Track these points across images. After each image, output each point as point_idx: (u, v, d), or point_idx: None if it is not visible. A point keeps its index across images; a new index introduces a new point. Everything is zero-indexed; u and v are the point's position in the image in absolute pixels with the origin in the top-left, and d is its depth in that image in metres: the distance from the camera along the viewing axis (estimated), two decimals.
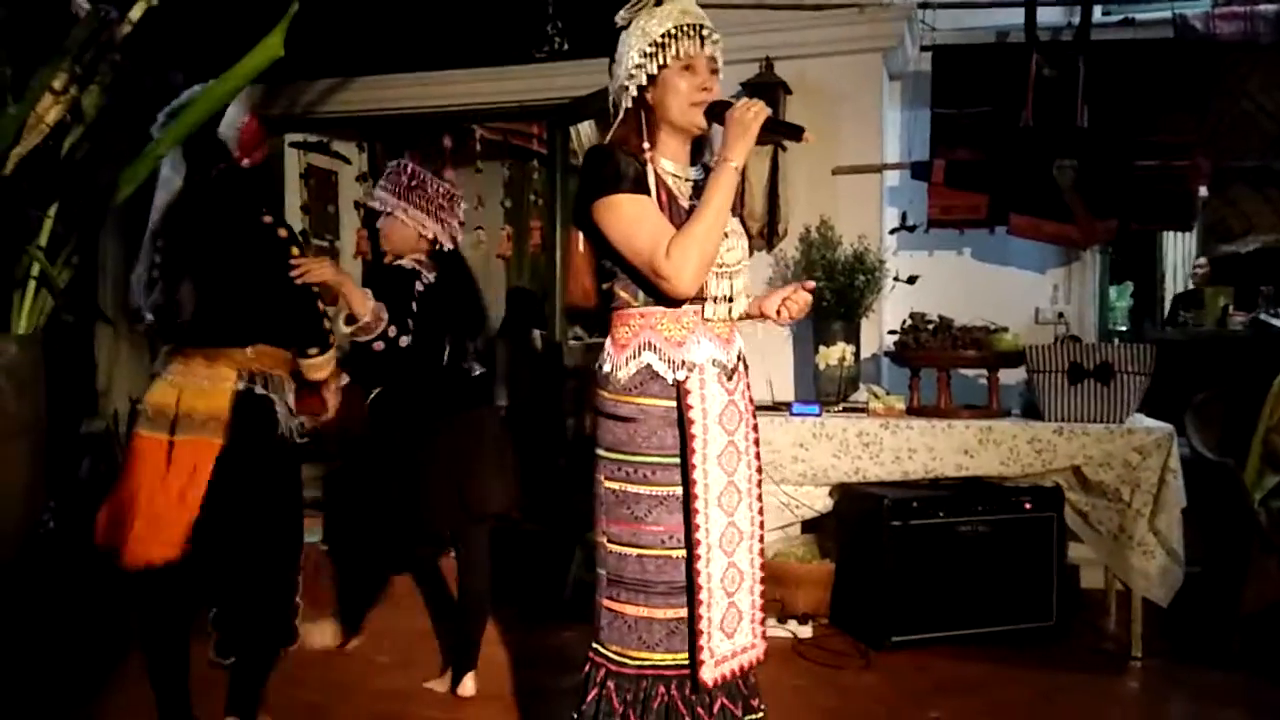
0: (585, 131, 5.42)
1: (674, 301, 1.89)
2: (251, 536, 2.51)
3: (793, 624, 3.73)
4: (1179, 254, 6.16)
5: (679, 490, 1.89)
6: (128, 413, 4.46)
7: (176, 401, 2.41)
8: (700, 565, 1.86)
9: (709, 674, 1.88)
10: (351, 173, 7.90)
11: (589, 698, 1.94)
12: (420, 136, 7.37)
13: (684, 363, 1.89)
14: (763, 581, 2.02)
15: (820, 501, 3.86)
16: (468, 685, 3.09)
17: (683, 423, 1.88)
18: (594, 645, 1.97)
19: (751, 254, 4.33)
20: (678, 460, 1.89)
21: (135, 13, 1.60)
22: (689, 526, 1.87)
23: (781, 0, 4.32)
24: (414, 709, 3.03)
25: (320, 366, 2.62)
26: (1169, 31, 4.16)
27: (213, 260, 2.42)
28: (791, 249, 4.34)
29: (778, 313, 2.05)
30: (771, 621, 3.71)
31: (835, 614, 3.82)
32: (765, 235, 4.31)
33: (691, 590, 1.87)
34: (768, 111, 1.84)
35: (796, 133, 1.89)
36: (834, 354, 4.03)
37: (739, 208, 2.09)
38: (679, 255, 1.81)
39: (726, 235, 1.92)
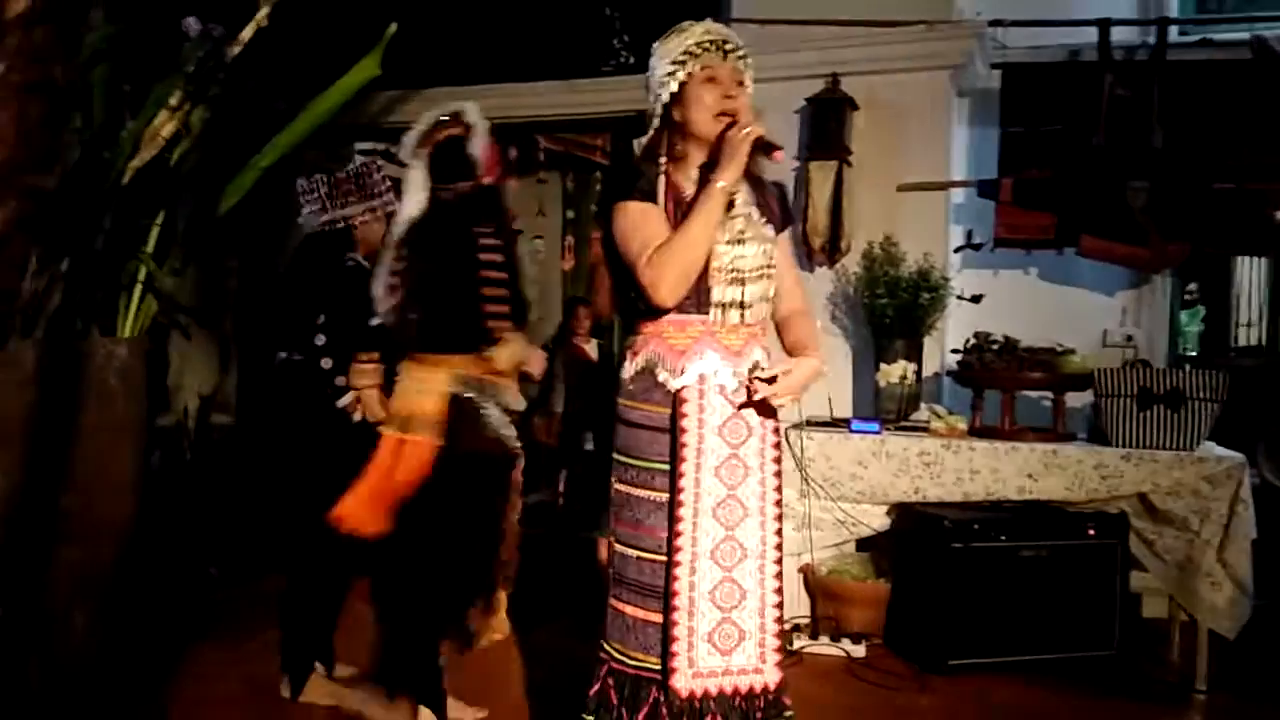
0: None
1: (680, 307, 1.94)
2: (435, 533, 2.70)
3: (846, 642, 3.70)
4: (1252, 279, 6.02)
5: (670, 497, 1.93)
6: (196, 409, 4.60)
7: (408, 403, 2.69)
8: (680, 572, 1.90)
9: (682, 683, 1.90)
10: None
11: (593, 691, 2.01)
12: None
13: (684, 371, 1.94)
14: (779, 606, 2.00)
15: (877, 520, 3.83)
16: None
17: (674, 431, 1.92)
18: (601, 641, 2.03)
19: (812, 269, 4.39)
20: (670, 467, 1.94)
21: (246, 33, 1.67)
22: (671, 533, 1.91)
23: (849, 16, 4.31)
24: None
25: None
26: (1247, 53, 4.07)
27: (448, 272, 2.64)
28: (854, 265, 4.32)
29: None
30: (824, 639, 3.70)
31: (890, 634, 3.78)
32: (828, 250, 4.30)
33: (668, 595, 1.91)
34: (759, 132, 1.91)
35: (770, 150, 1.93)
36: (895, 372, 4.00)
37: (774, 214, 2.08)
38: (657, 264, 1.88)
39: (743, 242, 1.95)
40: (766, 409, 1.98)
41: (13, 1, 1.09)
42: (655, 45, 2.02)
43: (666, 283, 1.88)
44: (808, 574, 3.90)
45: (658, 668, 1.93)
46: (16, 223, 1.08)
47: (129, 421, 1.42)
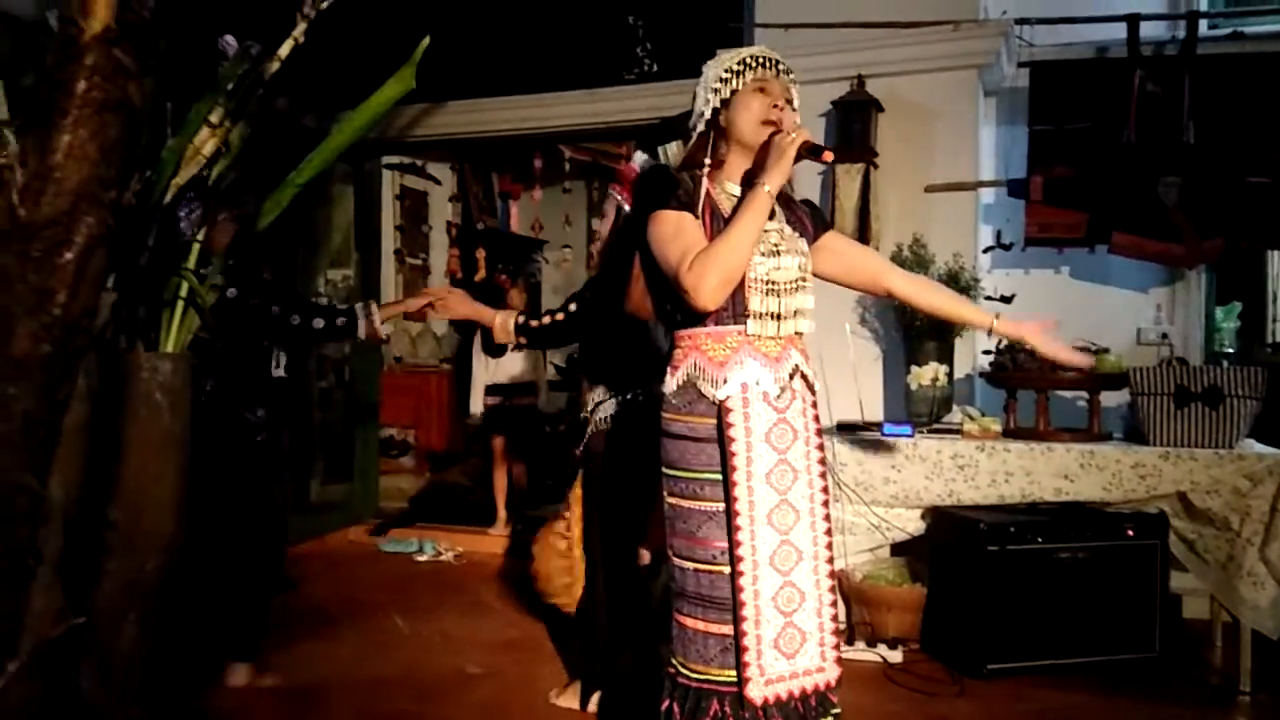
0: (673, 151, 5.45)
1: (717, 319, 1.96)
2: None
3: (882, 648, 3.67)
4: None
5: (725, 507, 1.93)
6: None
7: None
8: (744, 581, 1.90)
9: (756, 692, 1.90)
10: (444, 193, 8.11)
11: (663, 706, 2.02)
12: (510, 158, 7.53)
13: (726, 382, 1.94)
14: (834, 605, 2.03)
15: (911, 524, 3.81)
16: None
17: (723, 441, 1.92)
18: (670, 656, 2.04)
19: None
20: (722, 477, 1.94)
21: (284, 50, 1.70)
22: (731, 543, 1.91)
23: (874, 18, 4.30)
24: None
25: None
26: (1278, 46, 4.03)
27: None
28: None
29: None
30: (860, 645, 3.68)
31: (926, 639, 3.75)
32: None
33: (736, 606, 1.91)
34: (806, 135, 1.94)
35: (819, 153, 1.97)
36: (926, 374, 3.98)
37: (807, 229, 2.12)
38: (699, 268, 1.87)
39: (779, 254, 1.97)
40: None
41: (92, 20, 1.12)
42: (709, 63, 2.06)
43: (709, 285, 1.87)
44: (842, 580, 3.87)
45: (718, 679, 1.93)
46: (98, 237, 1.11)
47: (173, 435, 1.45)
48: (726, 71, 1.98)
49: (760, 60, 1.99)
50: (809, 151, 1.94)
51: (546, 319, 3.02)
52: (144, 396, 1.39)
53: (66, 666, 1.29)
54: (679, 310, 1.99)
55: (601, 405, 2.97)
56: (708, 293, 1.88)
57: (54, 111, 1.10)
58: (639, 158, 2.91)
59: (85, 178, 1.10)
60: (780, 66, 2.01)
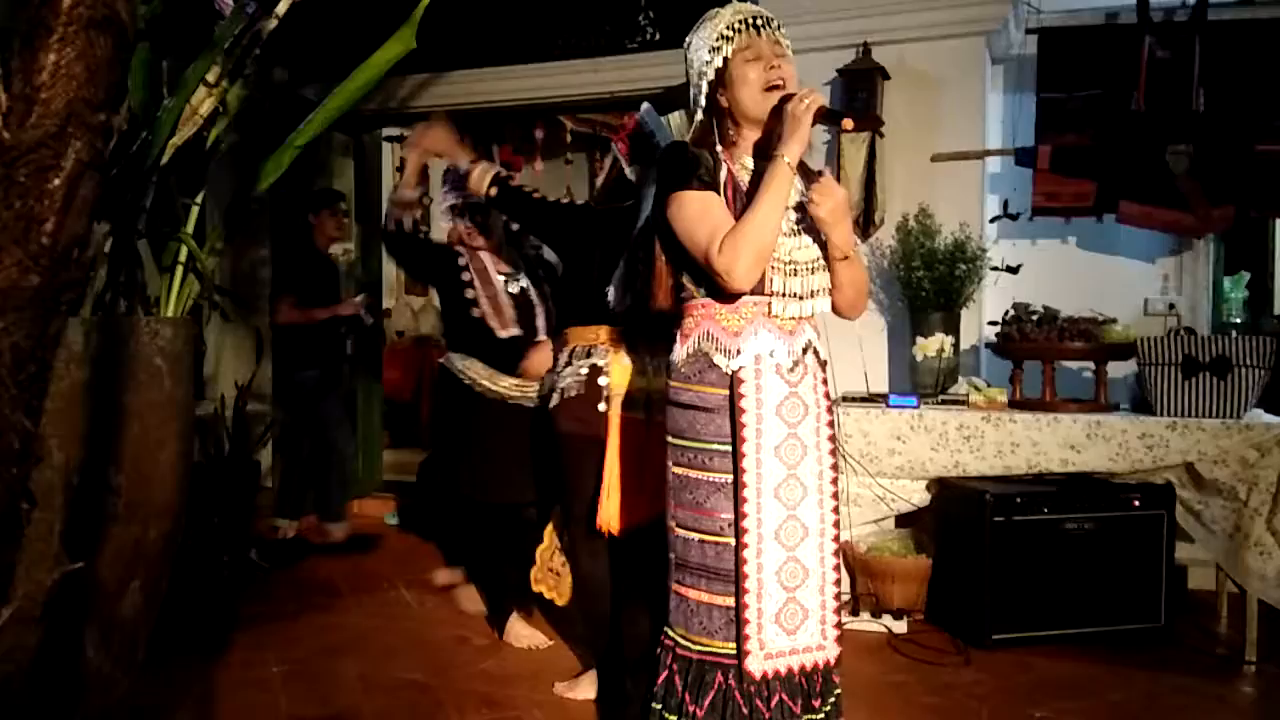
0: (675, 121, 5.39)
1: (733, 294, 1.90)
2: None
3: (887, 619, 3.67)
4: None
5: (733, 479, 1.90)
6: (234, 397, 4.64)
7: (647, 386, 2.68)
8: (748, 554, 1.88)
9: (755, 665, 1.89)
10: (444, 165, 8.03)
11: (660, 678, 1.99)
12: (512, 129, 7.47)
13: (739, 353, 1.91)
14: (838, 583, 2.01)
15: (917, 495, 3.80)
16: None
17: (734, 412, 1.89)
18: (664, 627, 2.02)
19: None
20: (731, 449, 1.90)
21: (281, 7, 1.66)
22: (737, 515, 1.89)
23: None
24: (510, 691, 3.07)
25: None
26: None
27: None
28: (888, 238, 4.26)
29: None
30: (865, 615, 3.68)
31: (931, 610, 3.76)
32: (861, 224, 4.24)
33: (739, 578, 1.89)
34: (820, 101, 1.86)
35: (838, 118, 1.90)
36: (932, 345, 3.95)
37: None
38: (730, 250, 1.82)
39: (799, 233, 1.92)
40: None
41: None
42: (688, 39, 2.00)
43: (743, 266, 1.82)
44: (847, 551, 3.87)
45: (722, 651, 1.92)
46: (87, 162, 1.08)
47: (175, 401, 1.43)
48: (711, 49, 1.91)
49: (737, 25, 1.90)
50: (825, 117, 1.87)
51: (526, 189, 2.93)
52: (144, 362, 1.37)
53: (67, 626, 1.28)
54: (709, 289, 1.93)
55: (568, 369, 2.77)
56: (742, 274, 1.83)
57: (39, 29, 1.07)
58: (642, 109, 2.82)
59: (73, 98, 1.07)
60: (758, 21, 1.91)
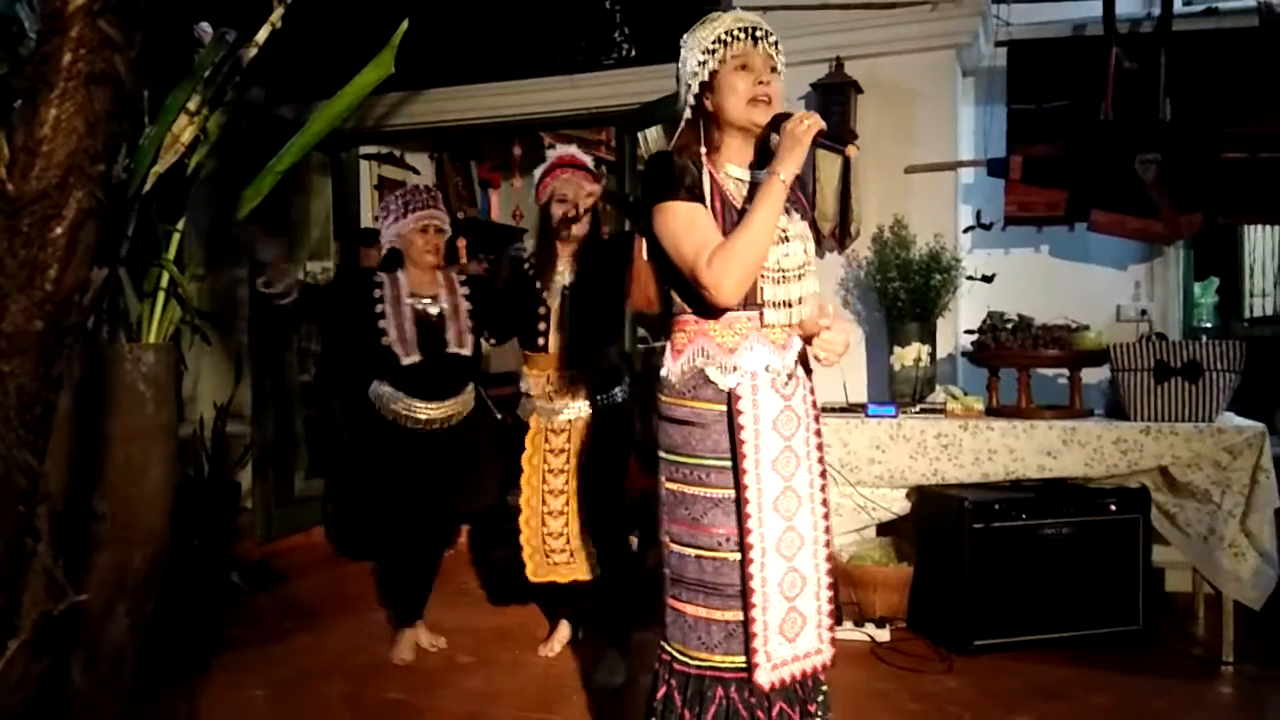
0: (652, 136, 5.45)
1: (719, 309, 1.91)
2: None
3: (870, 627, 3.70)
4: (1264, 248, 5.99)
5: (734, 494, 1.90)
6: (213, 418, 4.62)
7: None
8: (754, 569, 1.88)
9: (764, 678, 1.89)
10: (422, 183, 8.03)
11: (658, 694, 1.98)
12: (490, 146, 7.48)
13: (735, 369, 1.91)
14: (831, 587, 2.02)
15: (897, 504, 3.83)
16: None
17: (733, 428, 1.89)
18: (661, 642, 2.01)
19: (822, 255, 4.39)
20: (731, 464, 1.90)
21: (261, 35, 1.68)
22: (741, 530, 1.88)
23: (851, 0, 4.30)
24: (495, 709, 3.07)
25: None
26: (1254, 21, 4.05)
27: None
28: (864, 249, 4.31)
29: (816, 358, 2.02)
30: (848, 625, 3.70)
31: (913, 618, 3.78)
32: (838, 236, 4.28)
33: (745, 594, 1.89)
34: (821, 125, 1.87)
35: (840, 146, 1.93)
36: (909, 354, 3.99)
37: (808, 210, 2.08)
38: (719, 266, 1.83)
39: (787, 240, 1.92)
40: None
41: None
42: (685, 38, 1.99)
43: (730, 281, 1.83)
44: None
45: (721, 665, 1.92)
46: (88, 211, 1.10)
47: (160, 427, 1.43)
48: (704, 53, 1.90)
49: (735, 34, 1.89)
50: (824, 141, 1.88)
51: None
52: (128, 388, 1.38)
53: (59, 655, 1.28)
54: (694, 303, 1.93)
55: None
56: (729, 290, 1.84)
57: (40, 85, 1.09)
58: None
59: (73, 150, 1.09)
60: (758, 33, 1.91)
